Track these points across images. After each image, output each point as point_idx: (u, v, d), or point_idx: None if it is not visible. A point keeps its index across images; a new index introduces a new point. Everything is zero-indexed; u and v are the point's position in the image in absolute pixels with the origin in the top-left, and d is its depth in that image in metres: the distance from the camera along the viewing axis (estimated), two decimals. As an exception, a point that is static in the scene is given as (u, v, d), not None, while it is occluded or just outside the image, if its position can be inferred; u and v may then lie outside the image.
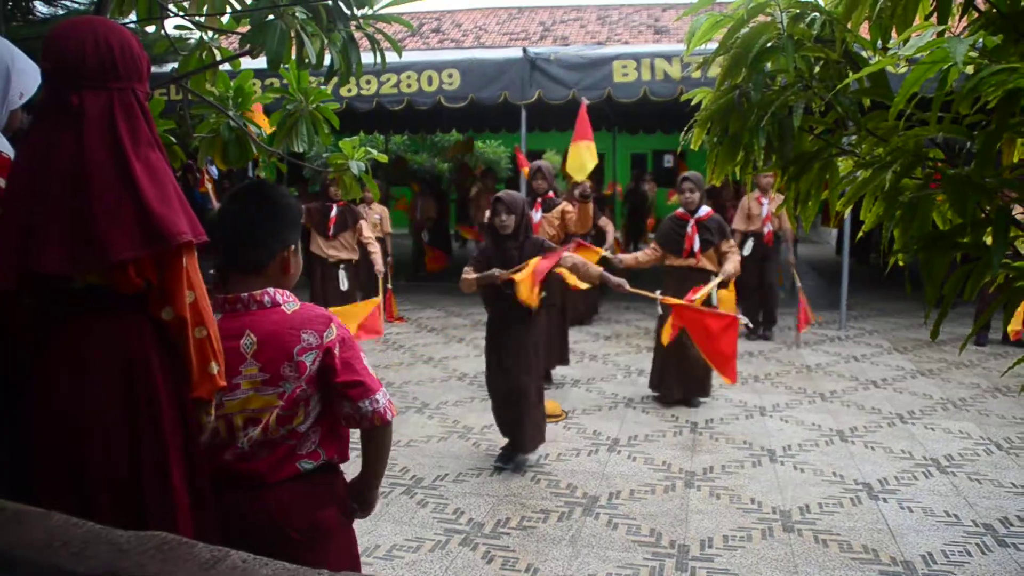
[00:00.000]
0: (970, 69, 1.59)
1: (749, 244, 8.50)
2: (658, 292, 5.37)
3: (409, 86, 9.40)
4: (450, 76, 9.28)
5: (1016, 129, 1.68)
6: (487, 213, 4.95)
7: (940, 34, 1.44)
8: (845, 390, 6.69)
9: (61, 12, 8.46)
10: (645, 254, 6.18)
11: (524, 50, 9.20)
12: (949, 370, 7.37)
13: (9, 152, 2.01)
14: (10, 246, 1.86)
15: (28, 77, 2.08)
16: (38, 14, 8.47)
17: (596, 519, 4.19)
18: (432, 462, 5.00)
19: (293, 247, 2.08)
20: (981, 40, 1.56)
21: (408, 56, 11.90)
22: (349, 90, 9.49)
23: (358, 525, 3.98)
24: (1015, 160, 2.06)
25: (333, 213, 6.93)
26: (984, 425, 5.77)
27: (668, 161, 19.79)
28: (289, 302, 2.04)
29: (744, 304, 8.72)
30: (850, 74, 2.29)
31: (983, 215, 1.89)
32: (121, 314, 1.94)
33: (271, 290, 2.04)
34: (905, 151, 1.82)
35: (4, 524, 1.58)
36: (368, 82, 9.41)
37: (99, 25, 1.98)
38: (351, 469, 2.18)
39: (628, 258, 6.09)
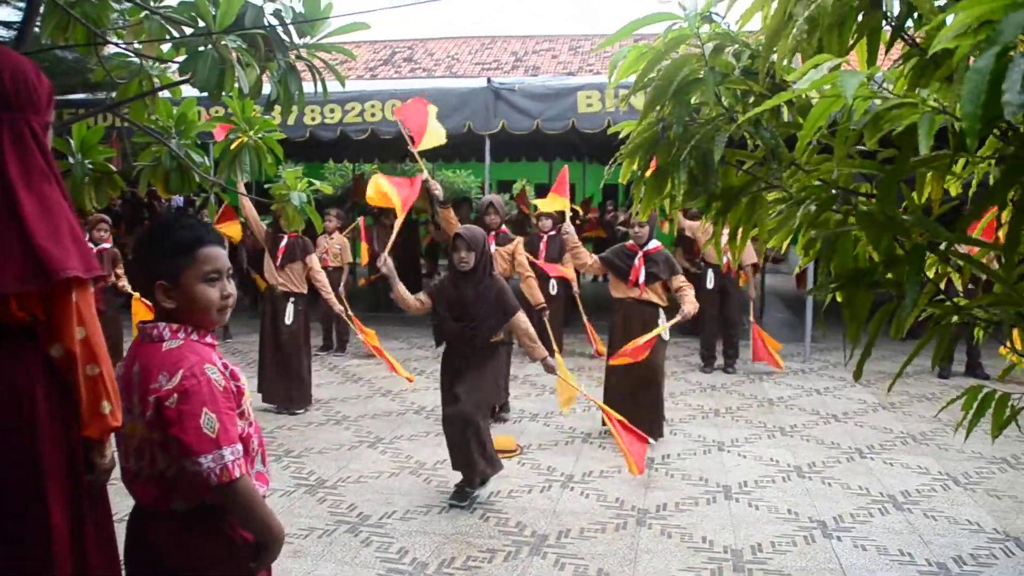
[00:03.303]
0: (879, 102, 1.54)
1: (710, 276, 8.48)
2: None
3: (373, 115, 9.36)
4: (414, 105, 9.24)
5: (930, 164, 1.63)
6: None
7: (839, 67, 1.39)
8: (806, 424, 6.63)
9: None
10: (590, 256, 6.16)
11: (488, 80, 9.20)
12: (911, 403, 7.34)
13: None
14: None
15: None
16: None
17: (543, 559, 4.08)
18: (381, 499, 4.87)
19: (163, 282, 1.98)
20: (880, 73, 1.51)
21: (375, 84, 11.90)
22: (313, 119, 9.46)
23: (298, 565, 3.88)
24: (927, 196, 2.02)
25: (283, 244, 6.81)
26: (943, 460, 5.72)
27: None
28: (174, 339, 1.96)
29: (704, 336, 8.69)
30: (781, 108, 2.26)
31: (904, 252, 1.84)
32: (9, 346, 1.89)
33: (162, 324, 1.99)
34: (818, 187, 1.77)
35: None
36: (332, 111, 9.37)
37: None
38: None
39: (582, 265, 6.16)
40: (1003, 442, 5.97)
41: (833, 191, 1.82)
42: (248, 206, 6.63)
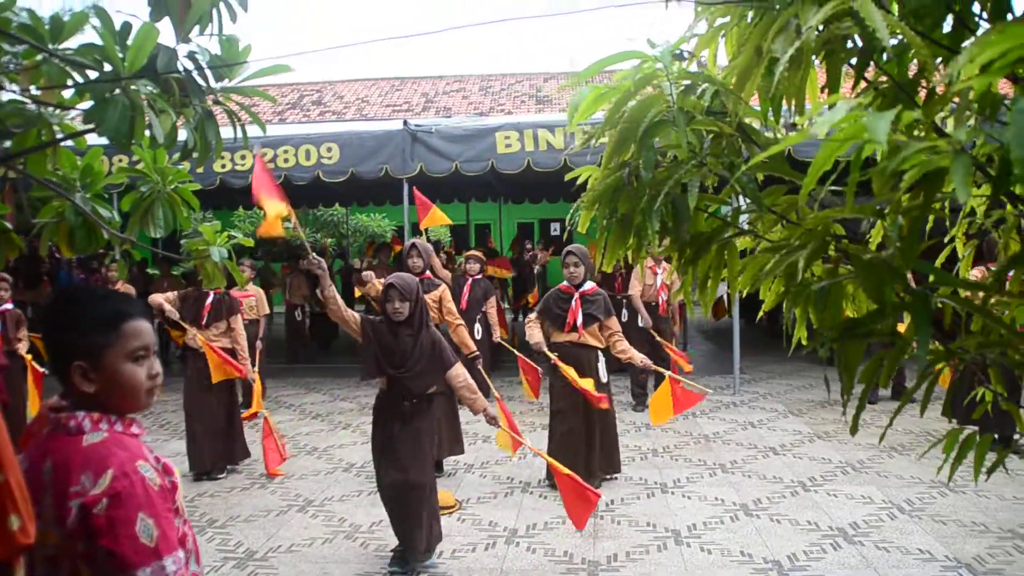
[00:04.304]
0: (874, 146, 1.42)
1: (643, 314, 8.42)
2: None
3: (286, 160, 9.06)
4: (329, 150, 9.00)
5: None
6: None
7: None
8: (745, 459, 6.58)
9: None
10: (538, 329, 5.91)
11: (405, 122, 9.02)
12: (845, 431, 7.38)
13: None
14: None
15: None
16: None
17: (496, 626, 3.85)
18: (316, 569, 4.55)
19: (82, 363, 1.71)
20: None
21: (288, 129, 11.59)
22: (223, 166, 9.11)
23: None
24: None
25: (209, 300, 6.43)
26: (885, 488, 5.72)
27: (555, 229, 19.97)
28: (95, 431, 1.69)
29: (635, 374, 8.60)
30: (745, 148, 2.14)
31: (897, 299, 1.74)
32: None
33: (81, 414, 1.71)
34: (815, 234, 1.65)
35: None
36: (243, 157, 9.04)
37: None
38: None
39: (537, 343, 5.84)
40: (936, 465, 6.03)
41: (824, 238, 1.70)
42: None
